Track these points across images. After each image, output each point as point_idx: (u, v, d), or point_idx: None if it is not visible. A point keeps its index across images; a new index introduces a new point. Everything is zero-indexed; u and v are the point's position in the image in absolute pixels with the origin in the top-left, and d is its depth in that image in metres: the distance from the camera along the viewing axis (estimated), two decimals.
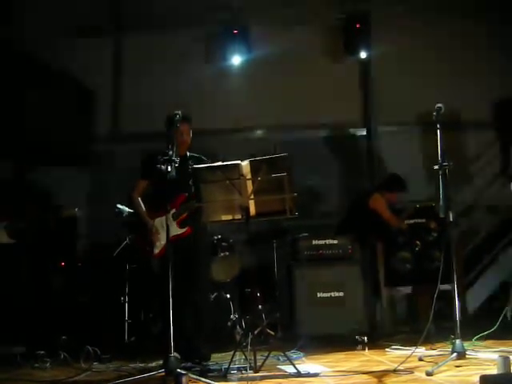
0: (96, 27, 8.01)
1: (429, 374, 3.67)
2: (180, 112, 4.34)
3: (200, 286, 4.82)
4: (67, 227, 6.37)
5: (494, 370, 3.43)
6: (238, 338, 5.45)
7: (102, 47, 8.17)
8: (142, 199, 5.00)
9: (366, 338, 5.71)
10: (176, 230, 4.70)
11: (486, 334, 5.08)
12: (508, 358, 3.31)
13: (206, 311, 4.91)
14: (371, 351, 5.09)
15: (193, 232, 4.77)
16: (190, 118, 4.85)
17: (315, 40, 8.14)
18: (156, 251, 4.77)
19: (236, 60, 7.96)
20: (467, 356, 4.11)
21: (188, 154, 4.99)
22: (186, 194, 4.76)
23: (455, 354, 4.03)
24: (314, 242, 6.06)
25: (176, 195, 4.68)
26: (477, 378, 2.99)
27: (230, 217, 4.25)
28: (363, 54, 8.00)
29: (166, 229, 4.11)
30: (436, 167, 4.27)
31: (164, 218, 4.49)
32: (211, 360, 4.73)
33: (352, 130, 8.37)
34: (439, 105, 4.42)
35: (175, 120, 4.30)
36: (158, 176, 4.43)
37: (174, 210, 4.71)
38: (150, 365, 4.76)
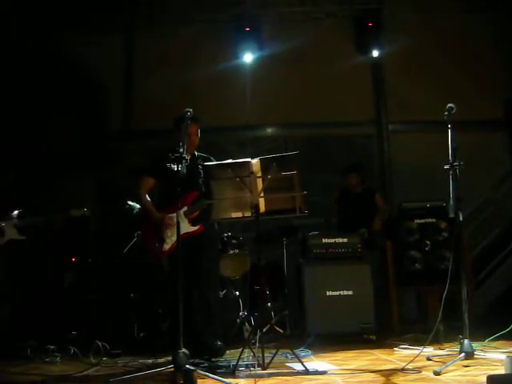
0: (108, 23, 8.05)
1: (436, 373, 3.67)
2: (191, 111, 4.34)
3: (210, 282, 4.86)
4: (77, 226, 6.40)
5: (501, 370, 3.43)
6: (246, 335, 5.47)
7: (114, 44, 8.22)
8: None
9: (374, 336, 5.73)
10: (187, 228, 4.72)
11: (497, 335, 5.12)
12: None
13: (217, 308, 4.93)
14: (380, 350, 5.07)
15: (204, 230, 4.79)
16: (198, 118, 4.86)
17: (327, 38, 8.15)
18: (166, 247, 4.77)
19: (248, 57, 7.98)
20: (475, 356, 4.10)
21: (196, 153, 5.01)
22: (198, 192, 4.79)
23: (463, 354, 4.03)
24: (324, 241, 6.05)
25: (186, 193, 4.69)
26: (484, 378, 2.98)
27: (239, 214, 4.26)
28: (375, 53, 8.00)
29: (177, 226, 4.12)
30: (446, 167, 4.26)
31: (175, 214, 4.51)
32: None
33: (363, 128, 8.36)
34: (450, 105, 4.40)
35: (186, 118, 4.31)
36: (168, 174, 4.46)
37: (185, 208, 4.73)
38: (159, 360, 4.78)
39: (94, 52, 7.86)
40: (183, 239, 4.53)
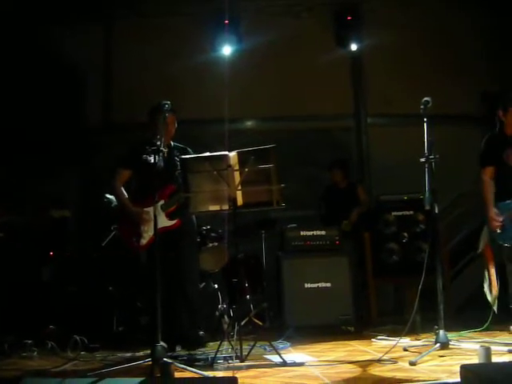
0: (88, 14, 7.98)
1: (412, 363, 3.71)
2: (168, 103, 4.32)
3: (189, 276, 4.84)
4: (57, 226, 6.35)
5: (475, 360, 3.49)
6: (225, 327, 5.48)
7: (94, 36, 8.15)
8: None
9: (352, 328, 5.78)
10: (165, 222, 4.69)
11: (473, 325, 5.18)
12: (489, 348, 3.36)
13: (197, 301, 4.93)
14: (357, 341, 5.12)
15: (181, 224, 4.76)
16: (174, 109, 4.79)
17: (306, 32, 8.14)
18: (143, 242, 4.74)
19: (227, 50, 7.95)
20: (450, 346, 4.16)
21: (172, 143, 4.96)
22: (175, 185, 4.76)
23: (438, 345, 4.09)
24: (302, 233, 6.08)
25: (163, 186, 4.64)
26: (459, 368, 3.03)
27: (217, 207, 4.26)
28: (354, 47, 8.02)
29: (154, 220, 4.10)
30: (422, 160, 4.31)
31: (150, 209, 4.50)
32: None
33: (342, 121, 8.40)
34: (426, 98, 4.44)
35: (164, 110, 4.29)
36: (144, 166, 4.45)
37: (162, 201, 4.70)
38: (138, 354, 4.78)
39: (73, 44, 7.78)
40: (160, 234, 4.51)
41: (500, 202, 5.23)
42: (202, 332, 4.80)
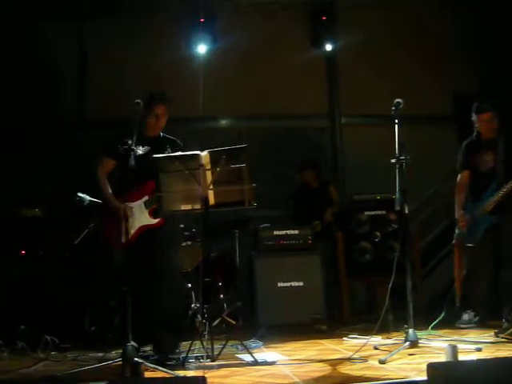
0: (63, 10, 7.90)
1: (382, 362, 3.75)
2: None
3: (172, 277, 4.65)
4: (28, 224, 6.29)
5: (443, 358, 3.53)
6: (198, 327, 5.47)
7: (68, 32, 8.06)
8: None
9: (325, 327, 5.82)
10: (147, 220, 4.50)
11: (443, 324, 5.28)
12: (456, 346, 3.41)
13: (178, 301, 4.81)
14: (329, 340, 5.15)
15: (165, 223, 4.55)
16: (167, 98, 4.72)
17: (282, 31, 8.14)
18: (124, 239, 4.37)
19: (202, 48, 7.93)
20: (420, 345, 4.21)
21: (162, 135, 4.77)
22: None
23: (408, 343, 4.13)
24: (275, 233, 6.12)
25: (148, 181, 4.46)
26: None
27: (189, 207, 4.24)
28: (329, 46, 8.06)
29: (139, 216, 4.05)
30: (393, 161, 4.35)
31: (134, 204, 4.43)
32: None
33: (316, 121, 8.44)
34: (398, 100, 4.48)
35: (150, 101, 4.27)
36: (130, 158, 4.33)
37: (146, 198, 4.50)
38: (110, 354, 4.75)
39: (47, 40, 7.71)
40: (142, 232, 4.47)
41: (468, 204, 5.49)
42: (176, 339, 4.68)
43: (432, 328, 5.14)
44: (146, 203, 4.51)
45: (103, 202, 4.71)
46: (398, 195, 4.29)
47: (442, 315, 5.28)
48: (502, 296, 5.29)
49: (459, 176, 5.63)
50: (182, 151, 4.57)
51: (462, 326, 5.42)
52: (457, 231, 5.57)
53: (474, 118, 5.48)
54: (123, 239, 4.38)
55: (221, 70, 7.95)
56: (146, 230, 4.49)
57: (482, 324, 5.40)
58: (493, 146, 5.43)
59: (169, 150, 4.68)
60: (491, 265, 5.39)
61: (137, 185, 4.36)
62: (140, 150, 4.52)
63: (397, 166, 4.35)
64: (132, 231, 4.42)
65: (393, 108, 4.49)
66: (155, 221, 4.52)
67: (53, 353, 4.82)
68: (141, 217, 4.45)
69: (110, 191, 4.60)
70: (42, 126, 7.66)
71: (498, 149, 5.37)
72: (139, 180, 4.32)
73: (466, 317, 5.50)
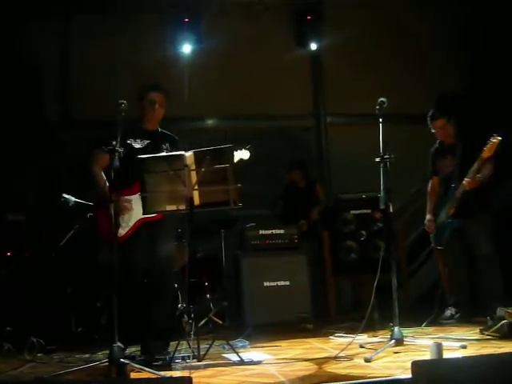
0: (48, 10, 7.87)
1: (367, 360, 3.76)
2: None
3: (167, 271, 4.63)
4: (13, 228, 6.26)
5: (428, 356, 3.56)
6: (185, 327, 5.46)
7: (53, 32, 8.04)
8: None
9: (311, 326, 5.84)
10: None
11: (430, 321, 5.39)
12: (440, 344, 3.44)
13: (170, 297, 4.80)
14: (315, 339, 5.17)
15: (163, 216, 4.51)
16: (163, 87, 4.68)
17: (267, 31, 8.17)
18: (122, 233, 4.45)
19: (187, 48, 7.93)
20: (405, 343, 4.23)
21: (159, 129, 4.75)
22: None
23: (393, 341, 4.15)
24: (261, 232, 6.14)
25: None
26: None
27: (174, 207, 4.22)
28: (314, 46, 8.08)
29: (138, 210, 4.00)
30: (377, 159, 4.38)
31: (132, 197, 4.41)
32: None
33: (302, 121, 8.46)
34: (382, 99, 4.52)
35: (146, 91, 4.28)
36: (126, 150, 4.32)
37: None
38: (96, 355, 4.73)
39: (31, 39, 7.67)
40: (139, 226, 4.47)
41: (436, 209, 5.72)
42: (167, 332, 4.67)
43: (424, 326, 5.28)
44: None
45: (101, 196, 4.60)
46: (382, 194, 4.31)
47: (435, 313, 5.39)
48: (484, 294, 5.40)
49: (429, 183, 5.87)
50: (178, 148, 4.59)
51: (444, 321, 5.49)
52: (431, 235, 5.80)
53: (429, 125, 5.62)
54: (121, 232, 4.46)
55: (206, 70, 7.95)
56: (144, 222, 4.48)
57: (463, 320, 5.49)
58: (452, 150, 5.57)
59: (167, 145, 4.69)
60: (463, 265, 5.57)
61: (134, 179, 4.33)
62: (138, 144, 4.56)
63: (381, 165, 4.37)
64: (130, 224, 4.46)
65: (377, 107, 4.52)
66: (154, 214, 4.47)
67: (39, 354, 4.80)
68: (139, 210, 4.41)
69: (107, 185, 4.49)
70: (29, 126, 7.62)
71: (457, 153, 5.46)
72: (137, 174, 4.24)
73: (448, 313, 5.59)
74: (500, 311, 5.19)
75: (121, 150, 3.98)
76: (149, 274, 4.54)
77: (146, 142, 4.59)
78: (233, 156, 4.17)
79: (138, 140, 4.57)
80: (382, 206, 4.35)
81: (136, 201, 4.41)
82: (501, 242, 5.57)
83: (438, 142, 5.76)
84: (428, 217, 5.76)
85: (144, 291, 4.51)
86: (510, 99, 7.31)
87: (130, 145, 4.54)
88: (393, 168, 4.43)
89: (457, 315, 5.57)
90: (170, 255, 4.69)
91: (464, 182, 5.26)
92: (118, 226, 4.46)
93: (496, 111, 7.29)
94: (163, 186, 4.15)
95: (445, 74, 8.18)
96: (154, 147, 4.51)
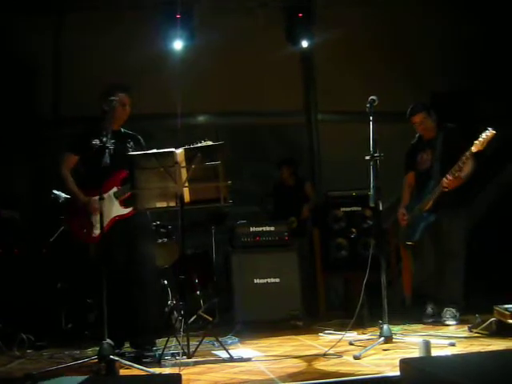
0: (38, 5, 7.83)
1: (356, 357, 3.78)
2: (116, 99, 4.30)
3: (146, 267, 4.64)
4: (6, 225, 6.23)
5: (416, 354, 3.57)
6: (174, 323, 5.48)
7: (44, 28, 8.00)
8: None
9: (301, 323, 5.85)
10: (119, 210, 4.54)
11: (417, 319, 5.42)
12: (429, 341, 3.45)
13: (152, 296, 4.73)
14: (305, 336, 5.18)
15: (136, 212, 4.55)
16: (129, 87, 4.75)
17: (258, 28, 8.17)
18: (97, 233, 4.50)
19: (178, 45, 7.91)
20: (394, 340, 4.24)
21: (122, 130, 4.80)
22: (127, 171, 4.50)
23: (382, 339, 4.16)
24: (252, 229, 6.15)
25: (115, 172, 4.48)
26: None
27: (164, 204, 4.24)
28: (305, 43, 8.08)
29: (110, 208, 4.02)
30: (367, 158, 4.38)
31: (103, 196, 4.39)
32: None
33: (293, 118, 8.47)
34: (372, 97, 4.52)
35: (113, 101, 4.26)
36: (93, 151, 4.33)
37: (115, 189, 4.55)
38: (86, 352, 4.73)
39: (22, 35, 7.63)
40: (115, 223, 4.50)
41: (410, 203, 5.68)
42: (150, 335, 4.68)
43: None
44: (115, 194, 4.56)
45: (71, 198, 4.74)
46: (372, 192, 4.32)
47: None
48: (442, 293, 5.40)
49: (404, 177, 5.84)
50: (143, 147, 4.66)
51: (426, 320, 5.45)
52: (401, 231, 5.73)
53: (408, 120, 5.62)
54: (96, 232, 4.48)
55: (197, 67, 7.93)
56: (118, 220, 4.52)
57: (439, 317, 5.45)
58: (432, 145, 5.56)
59: (132, 144, 4.74)
60: (433, 262, 5.50)
61: (108, 176, 4.35)
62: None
63: (371, 163, 4.38)
64: (104, 223, 4.34)
65: (367, 105, 4.52)
66: (127, 210, 4.57)
67: (28, 351, 4.81)
68: (112, 208, 4.46)
69: (76, 187, 4.64)
70: (18, 123, 7.59)
71: (437, 148, 5.47)
72: (106, 173, 4.26)
73: (429, 311, 5.54)
74: (446, 312, 5.26)
75: (111, 146, 3.98)
76: (128, 271, 4.55)
77: (111, 141, 4.55)
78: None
79: (102, 140, 4.53)
80: (371, 204, 4.35)
81: (107, 200, 4.40)
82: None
83: (417, 136, 5.73)
84: (401, 210, 5.66)
85: (127, 288, 4.52)
86: (498, 97, 7.36)
87: (94, 145, 4.52)
88: (383, 166, 4.43)
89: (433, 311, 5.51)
90: (148, 251, 4.71)
91: (445, 180, 5.20)
92: (91, 226, 4.52)
93: (483, 108, 7.34)
94: (154, 183, 4.16)
95: (435, 73, 8.21)
96: (119, 147, 4.46)
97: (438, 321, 5.34)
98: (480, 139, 4.88)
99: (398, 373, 3.04)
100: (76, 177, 4.72)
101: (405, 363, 2.93)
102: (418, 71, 8.16)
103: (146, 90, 7.58)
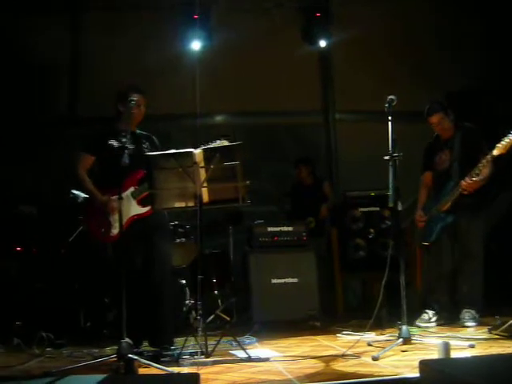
0: (56, 5, 7.89)
1: (375, 358, 3.76)
2: (135, 100, 4.34)
3: (163, 267, 4.66)
4: (24, 220, 6.29)
5: (435, 355, 3.55)
6: (192, 323, 5.48)
7: (61, 28, 8.05)
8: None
9: (319, 323, 5.84)
10: (137, 209, 4.54)
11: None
12: (448, 343, 3.42)
13: (169, 295, 4.76)
14: (323, 336, 5.17)
15: (154, 211, 4.55)
16: (144, 89, 4.76)
17: (276, 28, 8.15)
18: (115, 232, 4.51)
19: (196, 45, 7.93)
20: (413, 341, 4.21)
21: (137, 131, 4.82)
22: (144, 171, 4.51)
23: (401, 340, 4.14)
24: (270, 229, 6.14)
25: (132, 172, 4.49)
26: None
27: (183, 204, 4.26)
28: (322, 43, 8.07)
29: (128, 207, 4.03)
30: (386, 158, 4.36)
31: (122, 196, 4.41)
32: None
33: (310, 117, 8.45)
34: (391, 97, 4.48)
35: (130, 101, 4.28)
36: (109, 152, 4.37)
37: (132, 188, 4.55)
38: (105, 350, 4.75)
39: (40, 35, 7.69)
40: (132, 222, 4.50)
41: (428, 203, 5.65)
42: (169, 332, 4.69)
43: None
44: (132, 193, 4.56)
45: (88, 198, 4.75)
46: (391, 192, 4.29)
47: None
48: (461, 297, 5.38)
49: (421, 178, 5.80)
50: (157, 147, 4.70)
51: (421, 324, 5.38)
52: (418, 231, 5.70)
53: (426, 120, 5.59)
54: (114, 232, 4.49)
55: (215, 67, 7.95)
56: (135, 219, 4.53)
57: (443, 324, 5.43)
58: (450, 145, 5.52)
59: (147, 144, 4.76)
60: (449, 264, 5.48)
61: (126, 175, 4.36)
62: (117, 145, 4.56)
63: (390, 163, 4.35)
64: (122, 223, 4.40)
65: (386, 105, 4.49)
66: (144, 210, 4.57)
67: (48, 349, 4.84)
68: (129, 207, 4.47)
69: (93, 187, 4.66)
70: (35, 122, 7.65)
71: (455, 147, 5.42)
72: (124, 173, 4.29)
73: (425, 316, 5.47)
74: (465, 313, 5.22)
75: (131, 147, 4.01)
76: (145, 270, 4.58)
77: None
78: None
79: (118, 140, 4.54)
80: (390, 204, 4.33)
81: (125, 199, 4.41)
82: None
83: (434, 135, 5.69)
84: (419, 212, 5.65)
85: (144, 288, 4.55)
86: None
87: (113, 145, 4.57)
88: (401, 166, 4.41)
89: (434, 318, 5.45)
90: (165, 250, 4.72)
91: (463, 183, 5.17)
92: (109, 225, 4.53)
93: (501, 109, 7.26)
94: (172, 183, 4.17)
95: (456, 72, 8.13)
96: (135, 147, 4.51)
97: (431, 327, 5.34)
98: (503, 143, 4.79)
99: (417, 374, 3.04)
100: (91, 177, 4.74)
101: (424, 365, 2.91)
102: (432, 70, 8.10)
103: (164, 90, 7.63)
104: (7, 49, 7.55)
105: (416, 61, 8.10)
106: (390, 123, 4.42)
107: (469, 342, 4.11)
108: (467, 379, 2.63)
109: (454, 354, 3.50)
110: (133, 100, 4.31)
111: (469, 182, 5.12)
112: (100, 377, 3.09)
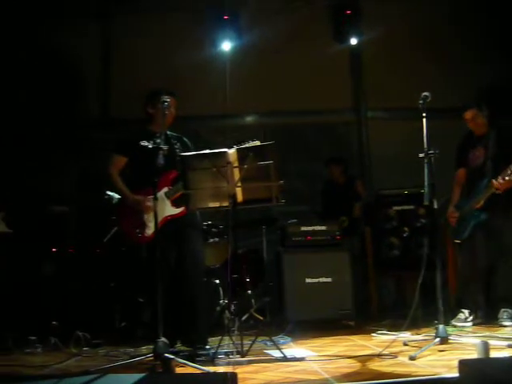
0: (87, 9, 7.99)
1: (412, 358, 3.73)
2: (168, 101, 4.38)
3: (196, 267, 4.67)
4: (58, 221, 6.38)
5: (474, 355, 3.50)
6: (226, 322, 5.50)
7: (93, 31, 8.15)
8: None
9: (353, 323, 5.82)
10: (171, 210, 4.57)
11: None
12: (487, 343, 3.38)
13: (203, 294, 4.76)
14: (358, 336, 5.14)
15: (187, 211, 4.59)
16: (174, 91, 4.81)
17: (305, 26, 8.12)
18: (149, 232, 4.55)
19: (226, 46, 7.96)
20: (450, 341, 4.16)
21: (168, 132, 4.83)
22: (177, 171, 4.58)
23: (438, 339, 4.09)
24: (303, 228, 6.12)
25: (166, 172, 4.50)
26: (457, 363, 3.04)
27: (217, 204, 4.27)
28: (353, 41, 8.02)
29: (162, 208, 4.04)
30: (421, 155, 4.32)
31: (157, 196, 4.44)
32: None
33: (342, 116, 8.41)
34: (425, 93, 4.44)
35: (163, 101, 4.30)
36: (142, 152, 4.40)
37: (166, 189, 4.58)
38: (141, 350, 4.79)
39: (72, 39, 7.80)
40: (166, 223, 4.53)
41: (461, 200, 5.62)
42: (203, 332, 4.70)
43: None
44: (166, 194, 4.59)
45: (122, 198, 4.80)
46: (426, 190, 4.25)
47: None
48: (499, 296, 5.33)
49: (455, 174, 5.76)
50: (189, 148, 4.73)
51: (458, 324, 5.32)
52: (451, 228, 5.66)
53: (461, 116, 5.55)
54: (148, 232, 4.52)
55: (245, 67, 7.98)
56: (169, 220, 4.56)
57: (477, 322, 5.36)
58: (484, 141, 5.46)
59: (178, 145, 4.80)
60: (482, 262, 5.41)
61: (159, 175, 4.38)
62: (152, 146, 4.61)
63: (425, 161, 4.30)
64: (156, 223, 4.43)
65: (420, 101, 4.45)
66: (178, 210, 4.60)
67: (85, 348, 4.90)
68: (164, 208, 4.50)
69: (125, 187, 4.71)
70: (69, 124, 7.75)
71: (489, 144, 5.35)
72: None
73: (461, 316, 5.40)
74: (503, 313, 5.13)
75: (165, 147, 4.03)
76: (178, 270, 4.60)
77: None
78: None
79: (152, 142, 4.63)
80: (426, 202, 4.28)
81: (160, 199, 4.43)
82: None
83: (467, 132, 5.63)
84: (451, 208, 5.62)
85: (177, 288, 4.57)
86: None
87: (147, 146, 4.62)
88: (436, 163, 4.36)
89: (470, 317, 5.38)
90: (198, 250, 4.73)
91: (495, 183, 5.10)
92: (144, 226, 4.56)
93: None
94: (206, 183, 4.19)
95: (488, 68, 8.01)
96: (168, 148, 4.51)
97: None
98: None
99: (455, 374, 3.00)
100: (122, 178, 4.79)
101: (464, 364, 2.88)
102: (462, 67, 8.00)
103: (195, 91, 7.66)
104: (40, 53, 7.68)
105: (449, 56, 8.00)
106: (424, 120, 4.38)
107: (507, 341, 4.05)
108: (508, 379, 2.60)
109: (492, 354, 3.46)
110: (166, 101, 4.33)
111: (501, 181, 5.06)
112: (138, 376, 3.11)
